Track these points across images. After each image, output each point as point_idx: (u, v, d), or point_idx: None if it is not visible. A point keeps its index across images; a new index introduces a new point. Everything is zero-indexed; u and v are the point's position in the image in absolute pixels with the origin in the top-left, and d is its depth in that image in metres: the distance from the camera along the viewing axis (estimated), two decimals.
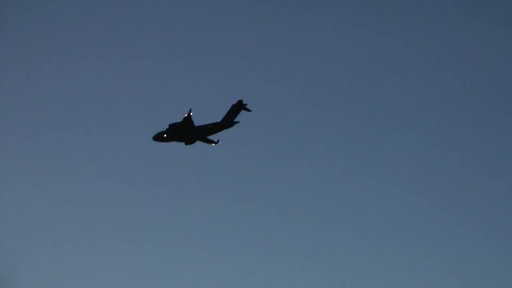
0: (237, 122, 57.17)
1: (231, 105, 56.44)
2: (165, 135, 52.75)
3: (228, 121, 56.98)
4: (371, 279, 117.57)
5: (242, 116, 58.71)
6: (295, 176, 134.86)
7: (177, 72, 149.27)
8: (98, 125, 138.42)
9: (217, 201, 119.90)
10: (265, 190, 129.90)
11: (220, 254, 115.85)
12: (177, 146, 53.13)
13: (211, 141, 58.15)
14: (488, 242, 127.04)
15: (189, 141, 54.05)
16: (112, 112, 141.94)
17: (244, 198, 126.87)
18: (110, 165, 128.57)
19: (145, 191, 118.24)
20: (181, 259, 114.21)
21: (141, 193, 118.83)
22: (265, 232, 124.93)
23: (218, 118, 58.04)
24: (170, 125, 52.39)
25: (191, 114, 52.52)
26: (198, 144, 55.00)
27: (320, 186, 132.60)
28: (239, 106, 56.51)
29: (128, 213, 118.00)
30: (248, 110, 57.67)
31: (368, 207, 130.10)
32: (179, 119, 52.85)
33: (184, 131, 52.56)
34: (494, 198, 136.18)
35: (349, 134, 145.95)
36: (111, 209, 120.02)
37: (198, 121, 54.74)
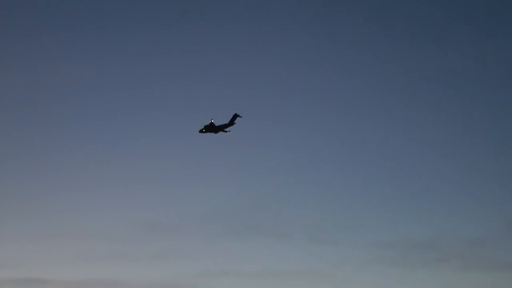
0: (235, 123, 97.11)
1: (233, 113, 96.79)
2: (203, 130, 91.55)
3: (231, 122, 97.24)
4: None
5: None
6: None
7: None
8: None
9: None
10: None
11: None
12: (210, 135, 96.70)
13: (226, 131, 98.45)
14: None
15: (215, 132, 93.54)
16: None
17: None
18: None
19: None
20: None
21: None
22: None
23: (227, 120, 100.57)
24: (205, 126, 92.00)
25: (212, 121, 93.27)
26: (220, 133, 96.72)
27: None
28: (236, 115, 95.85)
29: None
30: (240, 117, 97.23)
31: None
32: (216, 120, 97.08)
33: (212, 128, 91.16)
34: None
35: None
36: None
37: (218, 122, 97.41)
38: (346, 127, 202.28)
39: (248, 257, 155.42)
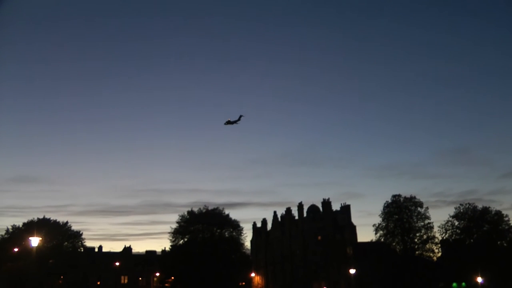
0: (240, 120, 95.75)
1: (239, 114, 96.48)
2: (225, 123, 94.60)
3: (239, 119, 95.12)
4: None
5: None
6: None
7: None
8: None
9: None
10: None
11: None
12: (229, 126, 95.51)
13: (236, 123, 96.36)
14: None
15: (232, 123, 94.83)
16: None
17: None
18: None
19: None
20: None
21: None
22: None
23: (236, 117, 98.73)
24: (227, 121, 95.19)
25: (230, 120, 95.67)
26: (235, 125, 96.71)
27: None
28: (240, 117, 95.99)
29: None
30: (241, 116, 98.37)
31: None
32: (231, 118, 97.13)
33: (231, 122, 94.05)
34: None
35: None
36: None
37: (233, 118, 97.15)
38: None
39: (300, 176, 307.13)
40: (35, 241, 64.24)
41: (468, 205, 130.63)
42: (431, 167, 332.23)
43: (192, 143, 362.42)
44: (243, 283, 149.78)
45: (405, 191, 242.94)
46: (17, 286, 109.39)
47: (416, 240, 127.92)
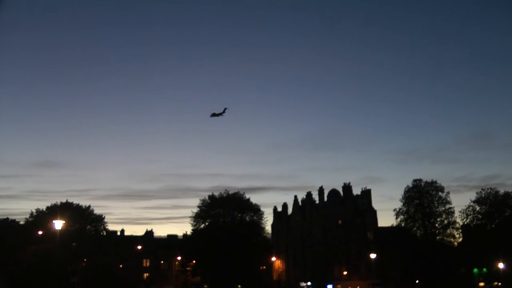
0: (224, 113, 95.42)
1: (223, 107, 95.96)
2: (211, 116, 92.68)
3: (223, 111, 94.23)
4: None
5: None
6: None
7: None
8: None
9: None
10: None
11: None
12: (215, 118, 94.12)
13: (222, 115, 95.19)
14: None
15: (217, 115, 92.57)
16: None
17: None
18: None
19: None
20: None
21: None
22: None
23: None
24: (212, 114, 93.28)
25: (215, 112, 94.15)
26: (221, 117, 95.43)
27: None
28: (225, 109, 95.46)
29: None
30: (226, 109, 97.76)
31: None
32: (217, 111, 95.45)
33: (216, 114, 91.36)
34: None
35: None
36: None
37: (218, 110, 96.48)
38: None
39: (321, 160, 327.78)
40: (58, 224, 65.53)
41: (490, 190, 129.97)
42: (453, 151, 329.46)
43: (213, 128, 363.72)
44: (264, 267, 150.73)
45: (426, 176, 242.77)
46: (42, 268, 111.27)
47: (437, 225, 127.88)
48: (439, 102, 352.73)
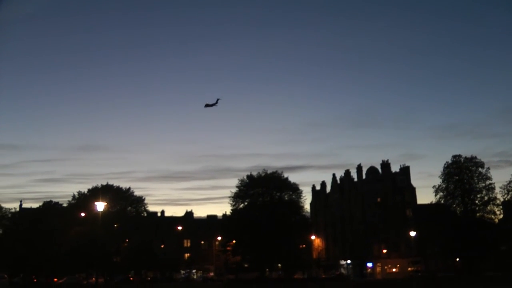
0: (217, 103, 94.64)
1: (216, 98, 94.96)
2: (205, 106, 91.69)
3: (216, 102, 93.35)
4: None
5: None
6: None
7: None
8: None
9: None
10: None
11: None
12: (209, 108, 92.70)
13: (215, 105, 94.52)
14: None
15: (211, 106, 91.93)
16: None
17: None
18: None
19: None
20: None
21: None
22: None
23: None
24: (205, 104, 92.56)
25: (208, 103, 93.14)
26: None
27: None
28: (217, 100, 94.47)
29: None
30: (218, 99, 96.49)
31: None
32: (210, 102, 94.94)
33: (209, 105, 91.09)
34: None
35: None
36: None
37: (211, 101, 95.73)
38: None
39: (358, 137, 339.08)
40: (100, 206, 67.04)
41: None
42: (493, 126, 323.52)
43: (251, 108, 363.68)
44: (304, 246, 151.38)
45: (466, 152, 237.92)
46: (85, 249, 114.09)
47: (477, 201, 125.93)
48: (480, 75, 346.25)
